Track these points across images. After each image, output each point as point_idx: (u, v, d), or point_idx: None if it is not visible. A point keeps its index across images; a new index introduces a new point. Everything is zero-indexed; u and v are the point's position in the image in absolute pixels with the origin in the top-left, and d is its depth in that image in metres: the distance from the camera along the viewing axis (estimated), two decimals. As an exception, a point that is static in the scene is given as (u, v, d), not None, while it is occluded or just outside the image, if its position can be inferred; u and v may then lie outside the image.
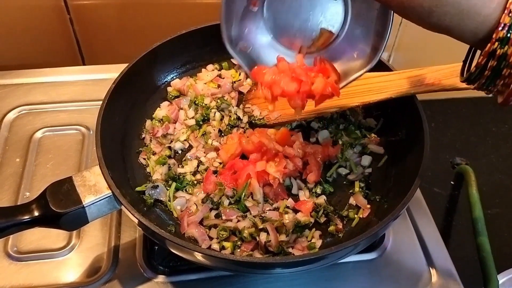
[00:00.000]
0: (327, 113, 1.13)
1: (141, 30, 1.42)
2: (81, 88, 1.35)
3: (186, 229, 0.98)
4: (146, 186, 1.03)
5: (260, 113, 1.18)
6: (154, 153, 1.11)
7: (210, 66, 1.28)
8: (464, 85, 0.96)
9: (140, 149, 1.12)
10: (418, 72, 1.05)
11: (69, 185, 0.91)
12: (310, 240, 0.98)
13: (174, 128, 1.16)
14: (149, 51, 1.14)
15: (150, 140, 1.14)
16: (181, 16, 1.40)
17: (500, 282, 1.05)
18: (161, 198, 1.03)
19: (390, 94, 1.05)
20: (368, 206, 1.03)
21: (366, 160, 1.12)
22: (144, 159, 1.10)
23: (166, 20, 1.41)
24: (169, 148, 1.13)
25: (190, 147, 1.15)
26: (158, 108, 1.20)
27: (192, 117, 1.18)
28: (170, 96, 1.22)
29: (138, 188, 1.03)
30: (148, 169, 1.09)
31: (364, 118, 1.19)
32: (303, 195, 1.06)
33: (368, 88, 1.08)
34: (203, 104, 1.19)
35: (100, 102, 1.02)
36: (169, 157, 1.12)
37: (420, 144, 0.98)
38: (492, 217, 1.31)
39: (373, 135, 1.15)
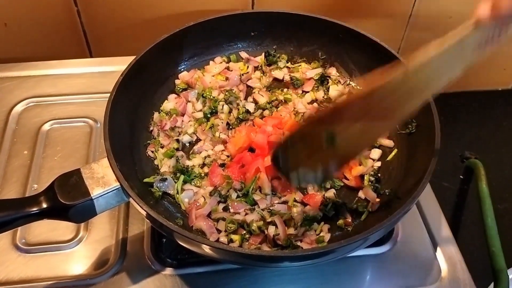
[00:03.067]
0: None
1: (148, 22, 1.41)
2: (89, 80, 1.35)
3: (194, 222, 0.98)
4: (154, 178, 1.03)
5: None
6: (162, 146, 1.11)
7: (218, 59, 1.27)
8: None
9: (148, 141, 1.12)
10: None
11: (77, 177, 0.90)
12: (319, 234, 0.98)
13: (182, 121, 1.16)
14: (157, 43, 1.13)
15: (158, 134, 1.13)
16: (189, 8, 1.39)
17: (510, 277, 1.04)
18: (169, 191, 1.03)
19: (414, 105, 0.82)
20: (378, 199, 1.02)
21: (375, 153, 1.10)
22: (152, 151, 1.10)
23: (174, 11, 1.40)
24: (177, 141, 1.12)
25: (198, 140, 1.14)
26: (166, 101, 1.19)
27: (200, 110, 1.18)
28: (178, 88, 1.21)
29: (146, 180, 1.03)
30: (156, 162, 1.09)
31: None
32: (312, 188, 1.05)
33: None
34: (211, 97, 1.19)
35: (108, 95, 1.02)
36: (177, 149, 1.11)
37: (431, 138, 0.97)
38: (502, 211, 1.30)
39: None
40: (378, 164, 1.09)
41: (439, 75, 0.77)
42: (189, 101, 1.19)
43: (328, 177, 1.00)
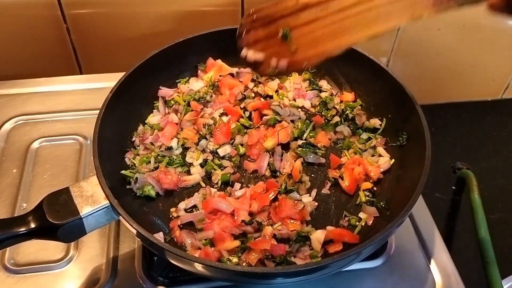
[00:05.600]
0: (334, 53, 0.99)
1: (138, 39, 1.41)
2: (78, 97, 1.34)
3: (177, 237, 0.98)
4: (131, 172, 1.05)
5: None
6: (138, 154, 1.11)
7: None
8: None
9: (127, 149, 1.12)
10: None
11: (66, 196, 0.89)
12: (313, 249, 0.97)
13: (165, 135, 1.15)
14: (146, 60, 1.13)
15: (139, 144, 1.13)
16: (178, 24, 1.39)
17: (505, 287, 1.04)
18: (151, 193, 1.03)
19: (400, 20, 0.85)
20: (374, 212, 1.02)
21: (385, 163, 1.09)
22: (129, 159, 1.10)
23: (163, 28, 1.40)
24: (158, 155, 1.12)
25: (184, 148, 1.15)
26: (152, 114, 1.19)
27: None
28: (168, 104, 1.21)
29: (123, 172, 1.04)
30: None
31: (367, 120, 1.18)
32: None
33: (374, 15, 0.87)
34: (196, 97, 1.20)
35: (98, 112, 1.01)
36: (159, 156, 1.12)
37: (422, 150, 0.97)
38: (495, 222, 1.29)
39: (378, 136, 1.14)
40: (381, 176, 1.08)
41: (385, 15, 0.85)
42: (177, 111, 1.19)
43: (281, 72, 1.02)
